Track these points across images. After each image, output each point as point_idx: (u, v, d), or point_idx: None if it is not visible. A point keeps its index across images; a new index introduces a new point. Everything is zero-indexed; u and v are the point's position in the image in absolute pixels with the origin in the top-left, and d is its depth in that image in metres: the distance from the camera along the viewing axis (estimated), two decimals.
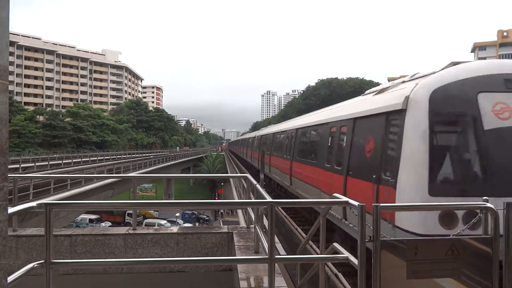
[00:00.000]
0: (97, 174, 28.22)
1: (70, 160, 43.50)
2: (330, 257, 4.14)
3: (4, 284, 2.17)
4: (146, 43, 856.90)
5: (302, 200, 7.91)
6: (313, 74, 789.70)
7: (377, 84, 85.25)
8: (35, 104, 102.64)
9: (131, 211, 31.58)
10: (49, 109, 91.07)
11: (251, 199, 7.33)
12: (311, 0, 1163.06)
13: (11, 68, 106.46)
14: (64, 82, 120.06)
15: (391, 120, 6.21)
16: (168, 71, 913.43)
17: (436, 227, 5.07)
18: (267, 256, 3.46)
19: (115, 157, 59.17)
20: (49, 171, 30.98)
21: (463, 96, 5.60)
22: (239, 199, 17.49)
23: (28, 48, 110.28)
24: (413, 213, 5.35)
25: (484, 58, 62.16)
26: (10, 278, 2.94)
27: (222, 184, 63.78)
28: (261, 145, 24.61)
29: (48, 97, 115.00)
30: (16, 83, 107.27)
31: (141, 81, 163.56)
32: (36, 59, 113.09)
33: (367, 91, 9.75)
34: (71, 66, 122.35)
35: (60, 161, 41.65)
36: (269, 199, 4.87)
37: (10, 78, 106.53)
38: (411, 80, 6.85)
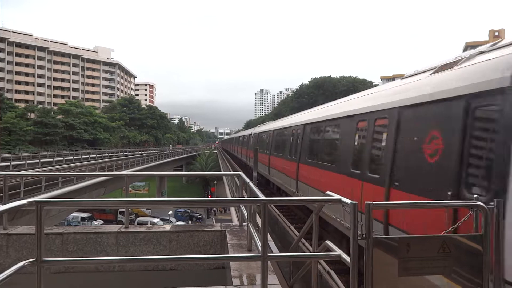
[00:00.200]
0: (89, 172, 28.00)
1: (62, 158, 43.08)
2: (322, 254, 4.16)
3: None
4: (139, 41, 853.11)
5: (295, 198, 7.72)
6: (307, 72, 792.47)
7: (371, 83, 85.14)
8: (26, 101, 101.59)
9: (123, 209, 31.56)
10: (40, 106, 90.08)
11: (244, 197, 7.31)
12: None
13: (1, 65, 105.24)
14: (55, 79, 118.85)
15: (480, 106, 4.36)
16: (161, 68, 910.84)
17: None
18: (259, 254, 3.46)
19: (107, 155, 58.79)
20: (41, 169, 30.67)
21: None
22: (232, 197, 17.43)
23: (19, 45, 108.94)
24: None
25: None
26: (0, 277, 2.92)
27: (215, 182, 63.80)
28: (258, 144, 23.34)
29: (40, 94, 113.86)
30: (7, 80, 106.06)
31: (134, 79, 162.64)
32: (27, 56, 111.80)
33: (410, 72, 7.45)
34: (62, 63, 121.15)
35: (52, 159, 41.23)
36: (262, 197, 4.86)
37: (1, 74, 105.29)
38: (496, 49, 4.86)
